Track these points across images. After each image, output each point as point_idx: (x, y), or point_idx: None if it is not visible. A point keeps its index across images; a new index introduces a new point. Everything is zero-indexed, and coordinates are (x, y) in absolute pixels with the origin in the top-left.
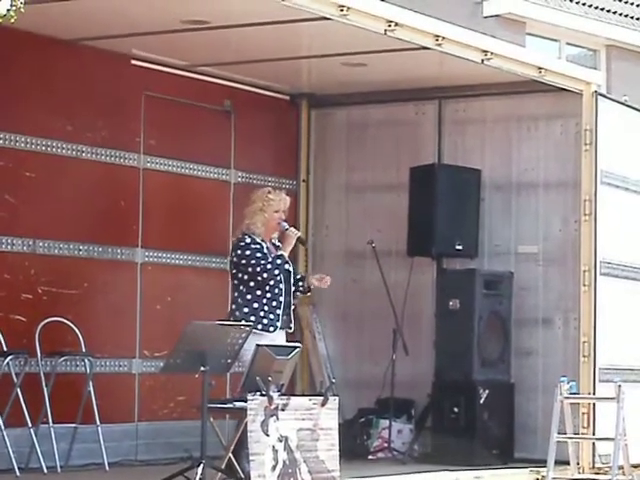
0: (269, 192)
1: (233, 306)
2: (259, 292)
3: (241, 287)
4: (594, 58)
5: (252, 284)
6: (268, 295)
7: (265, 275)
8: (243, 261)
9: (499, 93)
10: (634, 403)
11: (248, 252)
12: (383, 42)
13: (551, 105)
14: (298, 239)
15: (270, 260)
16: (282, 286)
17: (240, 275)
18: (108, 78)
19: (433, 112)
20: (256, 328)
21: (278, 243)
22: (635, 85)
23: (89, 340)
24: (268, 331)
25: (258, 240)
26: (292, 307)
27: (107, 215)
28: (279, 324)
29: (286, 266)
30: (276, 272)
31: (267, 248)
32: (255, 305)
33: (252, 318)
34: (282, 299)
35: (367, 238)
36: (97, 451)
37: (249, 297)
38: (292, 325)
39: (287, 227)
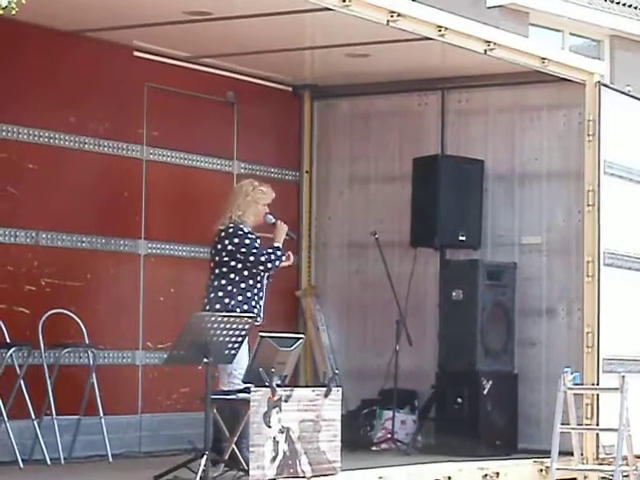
0: (259, 185)
1: (220, 293)
2: (251, 282)
3: (232, 275)
4: (597, 48)
5: (246, 273)
6: (258, 285)
7: (269, 265)
8: (243, 249)
9: (502, 84)
10: (638, 394)
11: (247, 241)
12: (386, 33)
13: (554, 95)
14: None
15: (270, 251)
16: (264, 280)
17: (233, 263)
18: (110, 70)
19: (436, 103)
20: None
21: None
22: (638, 75)
23: (92, 332)
24: (256, 321)
25: (250, 230)
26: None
27: (110, 207)
28: (262, 316)
29: (283, 258)
30: (277, 263)
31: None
32: (248, 294)
33: (245, 307)
34: (263, 292)
35: (370, 229)
36: (100, 443)
37: (243, 285)
38: (260, 319)
39: (274, 220)
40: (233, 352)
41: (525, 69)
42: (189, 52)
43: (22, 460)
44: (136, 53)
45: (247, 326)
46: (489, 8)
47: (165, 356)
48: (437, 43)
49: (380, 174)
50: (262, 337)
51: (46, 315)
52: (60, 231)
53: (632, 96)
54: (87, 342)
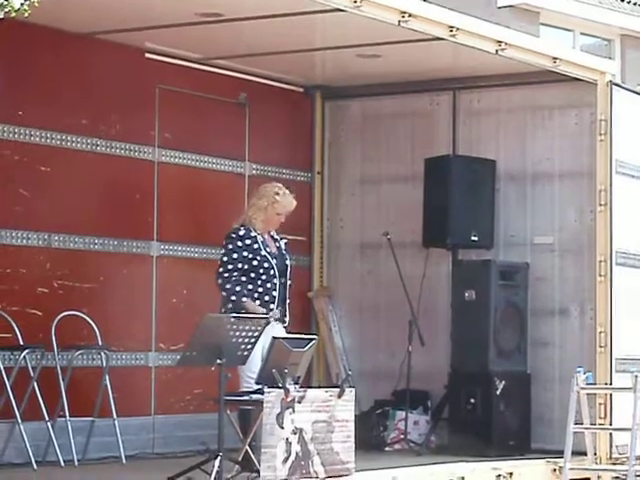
0: (277, 193)
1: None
2: (256, 283)
3: (241, 277)
4: (608, 48)
5: (253, 275)
6: (260, 290)
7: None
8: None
9: (513, 83)
10: None
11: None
12: (397, 33)
13: (566, 95)
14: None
15: (264, 253)
16: (276, 280)
17: (240, 265)
18: (122, 72)
19: (447, 103)
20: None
21: (277, 236)
22: None
23: (105, 333)
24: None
25: (253, 234)
26: (287, 301)
27: (122, 208)
28: (276, 313)
29: (286, 261)
30: (265, 265)
31: (262, 242)
32: (256, 295)
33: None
34: (275, 294)
35: (382, 230)
36: (114, 444)
37: (250, 287)
38: (287, 319)
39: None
40: (246, 353)
41: (536, 69)
42: (200, 54)
43: (36, 462)
44: (148, 55)
45: (260, 327)
46: (500, 8)
47: (178, 357)
48: (448, 43)
49: (392, 175)
50: (275, 338)
51: (59, 317)
52: (72, 233)
53: None
54: (100, 344)
